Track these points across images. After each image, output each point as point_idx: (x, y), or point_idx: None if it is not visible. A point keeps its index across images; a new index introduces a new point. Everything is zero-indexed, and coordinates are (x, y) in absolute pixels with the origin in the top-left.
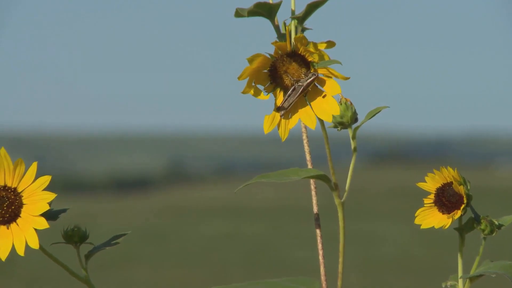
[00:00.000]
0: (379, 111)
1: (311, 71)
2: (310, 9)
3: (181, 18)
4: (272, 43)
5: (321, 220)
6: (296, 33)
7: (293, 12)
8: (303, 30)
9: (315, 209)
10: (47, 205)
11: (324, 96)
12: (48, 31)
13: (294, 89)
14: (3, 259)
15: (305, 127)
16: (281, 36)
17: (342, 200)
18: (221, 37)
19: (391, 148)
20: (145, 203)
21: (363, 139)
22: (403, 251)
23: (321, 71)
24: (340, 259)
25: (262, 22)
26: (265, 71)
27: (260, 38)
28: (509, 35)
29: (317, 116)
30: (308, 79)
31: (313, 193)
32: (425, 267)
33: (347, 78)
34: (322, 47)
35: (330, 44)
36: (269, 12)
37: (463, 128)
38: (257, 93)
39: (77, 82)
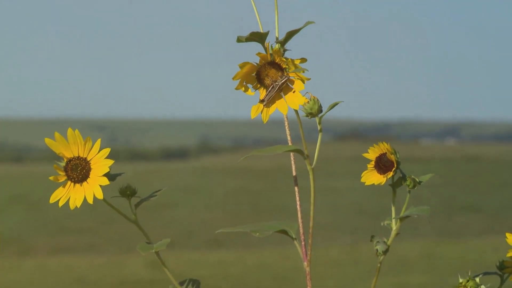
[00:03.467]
0: (337, 104)
1: (285, 74)
2: (289, 36)
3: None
4: (257, 54)
5: (298, 179)
6: (281, 53)
7: (277, 38)
8: (284, 51)
9: (294, 172)
10: (108, 169)
11: (293, 92)
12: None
13: (272, 87)
14: (78, 206)
15: (286, 116)
16: (267, 53)
17: (312, 166)
18: (231, 48)
19: (349, 130)
20: (183, 167)
21: (329, 123)
22: (358, 200)
23: (291, 75)
24: (312, 207)
25: (255, 44)
26: (253, 74)
27: (252, 51)
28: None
29: (289, 106)
30: (282, 80)
31: (292, 161)
32: (372, 211)
33: (308, 79)
34: (297, 62)
35: (303, 60)
36: (260, 38)
37: (399, 115)
38: (246, 89)
39: (140, 79)
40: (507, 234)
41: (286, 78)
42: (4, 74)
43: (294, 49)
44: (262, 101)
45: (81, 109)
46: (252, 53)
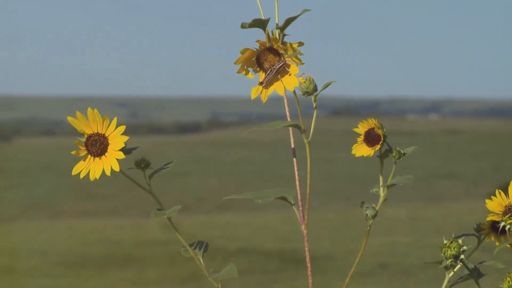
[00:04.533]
0: (330, 84)
1: (281, 59)
2: (287, 22)
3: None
4: (256, 41)
5: (296, 151)
6: (279, 38)
7: (277, 24)
8: (284, 35)
9: (292, 145)
10: (124, 144)
11: (289, 75)
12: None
13: (270, 71)
14: (97, 177)
15: (285, 94)
16: (268, 39)
17: (308, 139)
18: (236, 32)
19: (342, 106)
20: (195, 139)
21: (324, 100)
22: (350, 170)
23: (287, 59)
24: (308, 175)
25: (257, 31)
26: (253, 59)
27: (254, 38)
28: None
29: (285, 87)
30: (279, 64)
31: (291, 135)
32: (362, 179)
33: (302, 63)
34: (295, 45)
35: (300, 43)
36: (262, 25)
37: (387, 94)
38: (247, 73)
39: (158, 58)
40: (487, 200)
41: (283, 62)
42: (37, 57)
43: (292, 33)
44: (261, 83)
45: (105, 88)
46: (255, 38)
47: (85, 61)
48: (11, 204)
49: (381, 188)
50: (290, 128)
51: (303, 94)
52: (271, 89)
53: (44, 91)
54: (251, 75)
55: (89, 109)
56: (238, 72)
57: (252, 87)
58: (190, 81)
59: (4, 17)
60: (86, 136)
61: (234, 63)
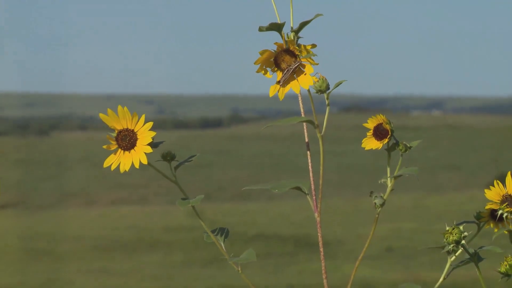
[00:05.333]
0: (341, 83)
1: (297, 60)
2: (301, 26)
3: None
4: (274, 43)
5: (310, 144)
6: (294, 40)
7: (291, 28)
8: (298, 38)
9: (306, 139)
10: (151, 139)
11: (304, 74)
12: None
13: (287, 70)
14: (127, 170)
15: (300, 92)
16: (284, 42)
17: (321, 134)
18: (255, 35)
19: (352, 103)
20: (217, 134)
21: (335, 98)
22: (359, 162)
23: (303, 60)
24: (321, 167)
25: (273, 33)
26: (271, 59)
27: (270, 40)
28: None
29: (301, 86)
30: (295, 65)
31: (305, 130)
32: (371, 171)
33: (316, 64)
34: (309, 47)
35: (313, 45)
36: (278, 28)
37: (393, 91)
38: (265, 72)
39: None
40: (486, 190)
41: (299, 63)
42: (72, 58)
43: (305, 34)
44: (278, 82)
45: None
46: (272, 40)
47: (116, 62)
48: (49, 193)
49: (389, 179)
50: (304, 124)
51: (317, 92)
52: (287, 88)
53: (79, 89)
54: (269, 74)
55: (119, 107)
56: (258, 71)
57: (270, 85)
58: (212, 79)
59: (44, 21)
60: (116, 131)
61: (254, 63)
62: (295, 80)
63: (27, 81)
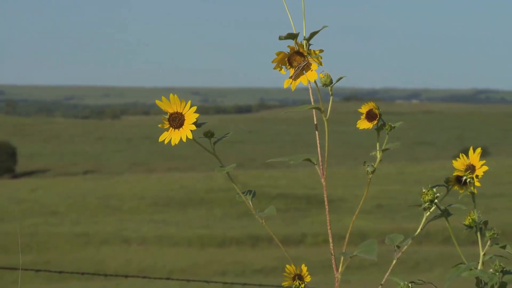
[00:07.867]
0: (342, 78)
1: (306, 59)
2: (312, 35)
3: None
4: (288, 46)
5: (318, 126)
6: (305, 47)
7: (304, 36)
8: (309, 45)
9: (315, 121)
10: (195, 119)
11: (312, 71)
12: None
13: (298, 68)
14: (177, 143)
15: (310, 86)
16: (296, 46)
17: (326, 118)
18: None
19: (351, 94)
20: (248, 117)
21: (338, 90)
22: (357, 139)
23: (310, 60)
24: (326, 143)
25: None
26: (285, 59)
27: (285, 44)
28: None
29: (309, 80)
30: (304, 63)
31: (314, 114)
32: (365, 145)
33: (321, 64)
34: (317, 52)
35: (321, 50)
36: (293, 37)
37: (383, 85)
38: (281, 69)
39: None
40: (453, 161)
41: (307, 62)
42: (139, 58)
43: (316, 38)
44: (291, 77)
45: (185, 81)
46: (286, 43)
47: (171, 61)
48: (119, 163)
49: (378, 152)
50: (314, 110)
51: (322, 85)
52: (298, 81)
53: (143, 83)
54: (283, 71)
55: (171, 95)
56: (274, 68)
57: (285, 79)
58: (244, 75)
59: (118, 27)
60: (168, 114)
61: (271, 62)
62: (304, 75)
63: (103, 76)
